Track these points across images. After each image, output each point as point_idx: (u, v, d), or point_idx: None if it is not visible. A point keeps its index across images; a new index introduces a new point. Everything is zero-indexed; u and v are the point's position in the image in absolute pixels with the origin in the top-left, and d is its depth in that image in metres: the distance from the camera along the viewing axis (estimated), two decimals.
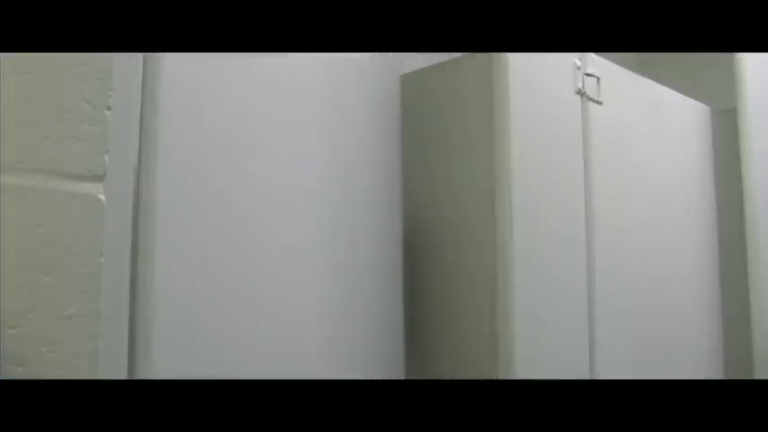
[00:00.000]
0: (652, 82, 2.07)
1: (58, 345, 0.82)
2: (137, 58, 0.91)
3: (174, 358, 0.96)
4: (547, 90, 1.63)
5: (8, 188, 0.79)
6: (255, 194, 1.27)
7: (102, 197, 0.84)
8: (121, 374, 0.90)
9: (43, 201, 0.81)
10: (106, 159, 0.84)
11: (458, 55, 1.60)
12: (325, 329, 1.38)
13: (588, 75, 1.72)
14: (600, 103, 1.75)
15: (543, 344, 1.52)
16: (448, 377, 1.47)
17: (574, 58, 1.70)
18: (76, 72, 0.84)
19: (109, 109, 0.86)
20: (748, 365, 2.13)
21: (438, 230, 1.55)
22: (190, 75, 1.07)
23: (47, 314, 0.81)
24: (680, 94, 2.19)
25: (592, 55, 1.74)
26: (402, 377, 1.57)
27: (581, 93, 1.70)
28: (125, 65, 0.91)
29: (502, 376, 1.40)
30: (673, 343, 2.00)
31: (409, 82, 1.67)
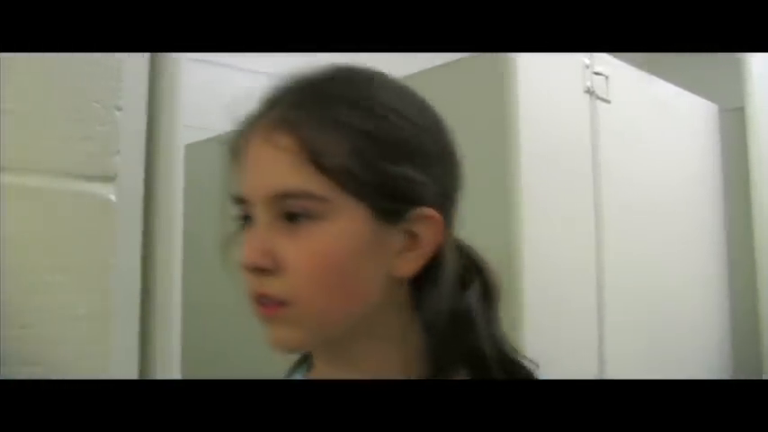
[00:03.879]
0: (660, 80, 2.07)
1: (69, 344, 0.82)
2: (147, 58, 0.91)
3: (185, 358, 0.96)
4: (555, 89, 1.63)
5: (20, 189, 0.79)
6: None
7: (113, 197, 0.84)
8: (132, 374, 0.90)
9: (55, 201, 0.81)
10: (117, 160, 0.85)
11: (465, 54, 1.60)
12: None
13: (597, 73, 1.72)
14: (608, 101, 1.75)
15: (552, 344, 1.52)
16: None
17: (582, 56, 1.70)
18: (86, 72, 0.84)
19: (119, 109, 0.86)
20: (757, 366, 2.12)
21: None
22: None
23: (58, 314, 0.81)
24: (688, 93, 2.18)
25: (600, 53, 1.74)
26: None
27: (590, 91, 1.70)
28: (135, 65, 0.91)
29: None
30: (681, 344, 2.00)
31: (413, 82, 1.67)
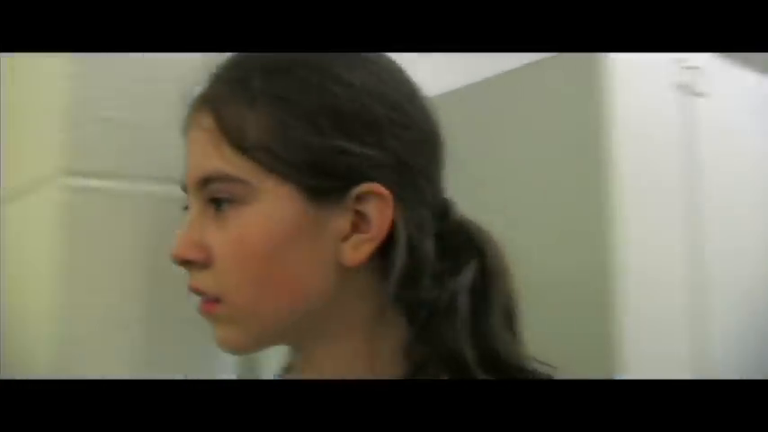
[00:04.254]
0: (752, 72, 2.01)
1: (163, 346, 0.84)
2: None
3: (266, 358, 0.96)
4: (648, 85, 1.59)
5: (115, 194, 0.80)
6: None
7: None
8: (212, 375, 0.91)
9: (149, 205, 0.82)
10: None
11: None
12: None
13: (690, 67, 1.67)
14: (703, 95, 1.70)
15: (652, 343, 1.48)
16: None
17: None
18: (177, 78, 0.85)
19: None
20: None
21: (543, 229, 1.53)
22: None
23: (149, 316, 0.82)
24: None
25: None
26: None
27: (683, 86, 1.66)
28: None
29: (613, 376, 1.37)
30: None
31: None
